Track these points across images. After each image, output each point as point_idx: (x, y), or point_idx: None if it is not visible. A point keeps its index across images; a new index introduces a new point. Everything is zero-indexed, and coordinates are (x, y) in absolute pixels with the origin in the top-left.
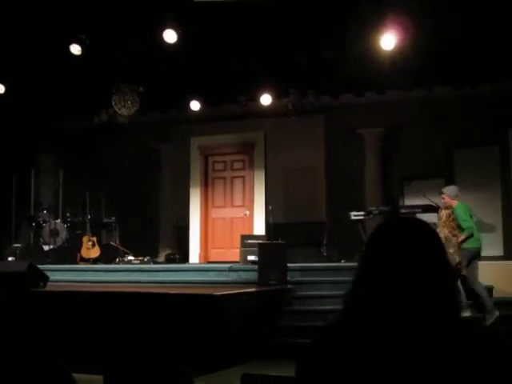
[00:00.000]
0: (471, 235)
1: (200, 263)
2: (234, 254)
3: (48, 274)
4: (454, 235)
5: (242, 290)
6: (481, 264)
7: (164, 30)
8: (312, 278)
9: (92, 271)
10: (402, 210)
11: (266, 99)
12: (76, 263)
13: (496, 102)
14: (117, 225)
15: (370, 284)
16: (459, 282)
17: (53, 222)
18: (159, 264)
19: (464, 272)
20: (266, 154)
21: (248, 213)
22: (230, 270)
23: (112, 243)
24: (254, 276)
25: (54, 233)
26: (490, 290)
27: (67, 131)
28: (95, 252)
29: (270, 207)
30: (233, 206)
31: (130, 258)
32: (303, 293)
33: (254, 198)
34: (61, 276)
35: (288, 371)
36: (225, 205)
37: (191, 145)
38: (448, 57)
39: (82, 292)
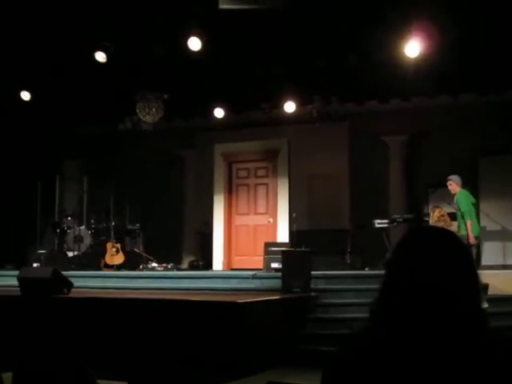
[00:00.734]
0: (475, 222)
1: (223, 270)
2: (258, 261)
3: (72, 280)
4: (448, 226)
5: (266, 298)
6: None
7: (189, 37)
8: (336, 285)
9: (116, 278)
10: (427, 218)
11: (290, 106)
12: (100, 269)
13: None
14: (141, 231)
15: (398, 293)
16: None
17: (77, 228)
18: (183, 271)
19: None
20: (290, 161)
21: (271, 220)
22: (254, 277)
23: (136, 250)
24: (277, 283)
25: (79, 239)
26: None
27: (92, 138)
28: (119, 258)
29: (294, 214)
30: (256, 213)
31: (154, 264)
32: (327, 300)
33: (277, 206)
34: (84, 282)
35: (312, 379)
36: (248, 212)
37: (215, 152)
38: (473, 63)
39: (106, 298)
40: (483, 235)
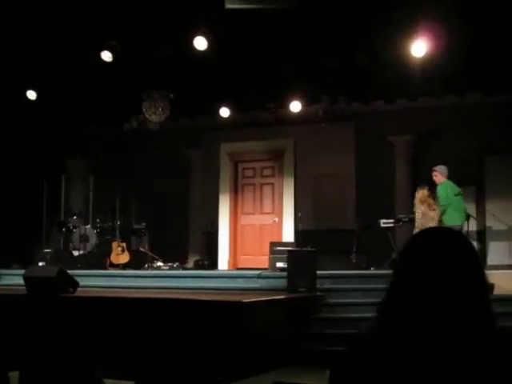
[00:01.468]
0: (459, 211)
1: (229, 270)
2: (263, 260)
3: (77, 279)
4: (431, 209)
5: (271, 297)
6: None
7: (195, 36)
8: (341, 285)
9: (121, 277)
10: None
11: (296, 106)
12: (105, 269)
13: None
14: (146, 230)
15: (405, 294)
16: None
17: (83, 227)
18: (188, 270)
19: None
20: (296, 161)
21: (277, 219)
22: (259, 276)
23: (141, 249)
24: (282, 283)
25: (84, 238)
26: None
27: (97, 137)
28: (125, 258)
29: (300, 214)
30: (262, 212)
31: (159, 263)
32: (332, 300)
33: (283, 205)
34: (90, 281)
35: (317, 379)
36: (254, 211)
37: (221, 151)
38: (479, 63)
39: (112, 298)
40: (489, 235)
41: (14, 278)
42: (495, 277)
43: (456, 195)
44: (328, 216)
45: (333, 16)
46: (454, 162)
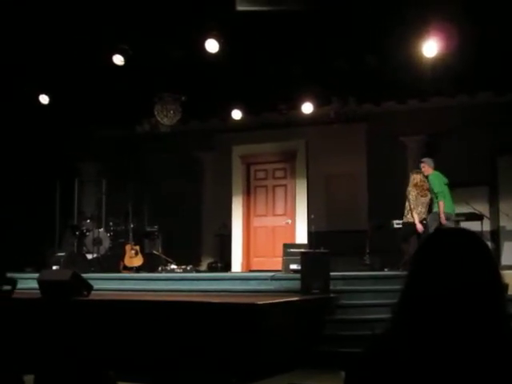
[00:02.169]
0: (448, 200)
1: (242, 272)
2: (276, 262)
3: (91, 282)
4: (422, 195)
5: (285, 299)
6: None
7: (206, 39)
8: (355, 286)
9: (135, 280)
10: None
11: (307, 107)
12: (119, 272)
13: None
14: (159, 233)
15: (420, 295)
16: None
17: (96, 230)
18: (201, 273)
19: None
20: (308, 163)
21: (290, 221)
22: (272, 278)
23: (155, 252)
24: (296, 285)
25: (97, 241)
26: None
27: (110, 140)
28: (138, 261)
29: (312, 216)
30: (274, 214)
31: (173, 266)
32: (346, 302)
33: (295, 207)
34: (104, 285)
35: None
36: (266, 213)
37: (233, 153)
38: (490, 62)
39: (125, 301)
40: (503, 235)
41: (28, 282)
42: (509, 277)
43: (446, 184)
44: (341, 217)
45: (343, 17)
46: (467, 162)
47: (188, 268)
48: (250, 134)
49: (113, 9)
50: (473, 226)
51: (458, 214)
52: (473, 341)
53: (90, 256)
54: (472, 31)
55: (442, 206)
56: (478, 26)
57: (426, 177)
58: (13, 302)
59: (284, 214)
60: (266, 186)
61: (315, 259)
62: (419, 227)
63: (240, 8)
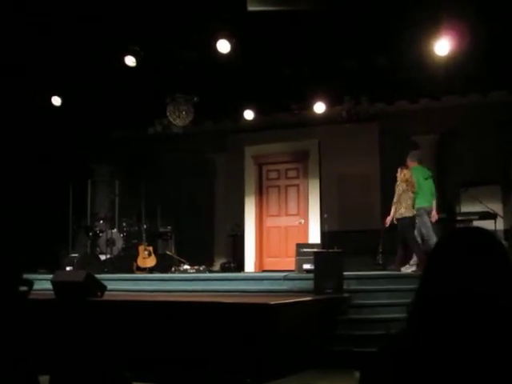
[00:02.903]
0: (427, 193)
1: (255, 272)
2: (289, 262)
3: (105, 283)
4: (410, 191)
5: (298, 299)
6: None
7: (217, 39)
8: (368, 286)
9: (148, 280)
10: (459, 218)
11: (319, 107)
12: (132, 272)
13: None
14: (172, 234)
15: (435, 294)
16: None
17: (109, 231)
18: (214, 273)
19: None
20: (320, 162)
21: (303, 221)
22: (285, 278)
23: (168, 252)
24: (309, 285)
25: (111, 242)
26: None
27: (122, 141)
28: (151, 261)
29: (325, 215)
30: (287, 214)
31: (186, 267)
32: (359, 301)
33: (308, 207)
34: (117, 285)
35: (345, 380)
36: (279, 213)
37: (245, 154)
38: (503, 61)
39: (139, 301)
40: None
41: (42, 283)
42: None
43: (426, 179)
44: (353, 217)
45: (355, 15)
46: (479, 161)
47: (201, 268)
48: (262, 135)
49: (124, 10)
50: (486, 224)
51: (471, 213)
52: (489, 341)
53: (103, 257)
54: (484, 30)
55: (420, 193)
56: (489, 24)
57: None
58: (28, 303)
59: (297, 214)
60: (278, 186)
61: (328, 259)
62: (388, 220)
63: (251, 8)
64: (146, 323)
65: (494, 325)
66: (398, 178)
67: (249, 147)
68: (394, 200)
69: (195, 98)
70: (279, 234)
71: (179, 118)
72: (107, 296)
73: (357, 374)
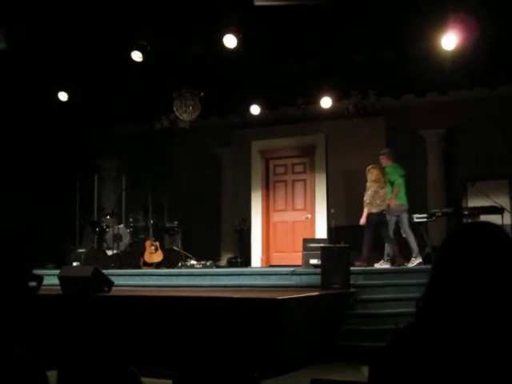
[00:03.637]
0: (403, 191)
1: (262, 267)
2: (296, 257)
3: (112, 278)
4: (381, 188)
5: (305, 294)
6: None
7: (224, 34)
8: (375, 281)
9: (155, 276)
10: (466, 212)
11: (326, 102)
12: (139, 268)
13: None
14: (179, 229)
15: (446, 290)
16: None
17: (116, 227)
18: (221, 268)
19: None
20: (327, 157)
21: (309, 216)
22: (293, 273)
23: (174, 247)
24: (316, 280)
25: (118, 238)
26: None
27: (129, 137)
28: (158, 256)
29: (332, 210)
30: (294, 209)
31: (193, 262)
32: (366, 296)
33: (315, 201)
34: (124, 281)
35: (353, 375)
36: (286, 208)
37: (252, 149)
38: (510, 55)
39: (146, 296)
40: None
41: (50, 279)
42: None
43: (402, 176)
44: (360, 211)
45: (362, 10)
46: (486, 155)
47: (208, 263)
48: (268, 129)
49: (131, 5)
50: (493, 219)
51: (478, 208)
52: (499, 336)
53: (110, 252)
54: (491, 24)
55: (396, 192)
56: (497, 18)
57: (384, 168)
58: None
59: (303, 209)
60: (285, 181)
61: (335, 254)
62: (363, 220)
63: (258, 3)
64: (153, 318)
65: (505, 319)
66: (369, 178)
67: (255, 142)
68: (367, 201)
69: (202, 93)
70: (286, 229)
71: (186, 112)
72: (114, 291)
73: (365, 370)
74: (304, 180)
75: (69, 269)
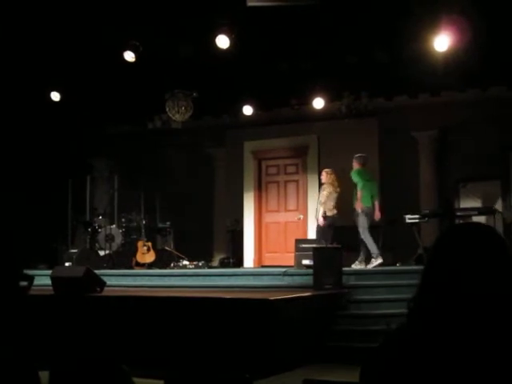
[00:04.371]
0: (366, 194)
1: (254, 267)
2: (288, 258)
3: (104, 278)
4: (335, 191)
5: (297, 295)
6: None
7: (217, 35)
8: (367, 281)
9: (147, 276)
10: (458, 213)
11: (318, 102)
12: (131, 268)
13: None
14: (171, 229)
15: (437, 290)
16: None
17: (108, 227)
18: (213, 268)
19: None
20: (320, 158)
21: (302, 217)
22: (285, 274)
23: (167, 248)
24: (308, 280)
25: (110, 238)
26: None
27: (122, 137)
28: (150, 257)
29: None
30: (286, 210)
31: (185, 262)
32: (358, 297)
33: (307, 202)
34: (116, 281)
35: (345, 375)
36: (278, 209)
37: (244, 149)
38: (502, 56)
39: (138, 297)
40: None
41: (41, 279)
42: None
43: (368, 180)
44: (353, 212)
45: (355, 11)
46: (478, 157)
47: (200, 264)
48: (261, 130)
49: (123, 5)
50: (486, 220)
51: (470, 209)
52: (490, 336)
53: (102, 252)
54: (483, 25)
55: (360, 194)
56: (489, 19)
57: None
58: (28, 299)
59: (296, 210)
60: (277, 182)
61: (328, 254)
62: (321, 221)
63: (250, 4)
64: (145, 319)
65: (495, 320)
66: (324, 181)
67: (248, 142)
68: (322, 201)
69: (194, 94)
70: (278, 230)
71: (178, 113)
72: (106, 291)
73: (357, 370)
74: (296, 181)
75: (61, 269)
